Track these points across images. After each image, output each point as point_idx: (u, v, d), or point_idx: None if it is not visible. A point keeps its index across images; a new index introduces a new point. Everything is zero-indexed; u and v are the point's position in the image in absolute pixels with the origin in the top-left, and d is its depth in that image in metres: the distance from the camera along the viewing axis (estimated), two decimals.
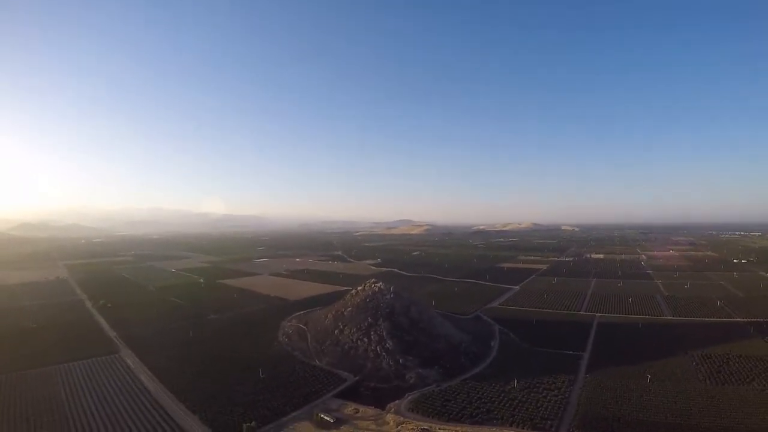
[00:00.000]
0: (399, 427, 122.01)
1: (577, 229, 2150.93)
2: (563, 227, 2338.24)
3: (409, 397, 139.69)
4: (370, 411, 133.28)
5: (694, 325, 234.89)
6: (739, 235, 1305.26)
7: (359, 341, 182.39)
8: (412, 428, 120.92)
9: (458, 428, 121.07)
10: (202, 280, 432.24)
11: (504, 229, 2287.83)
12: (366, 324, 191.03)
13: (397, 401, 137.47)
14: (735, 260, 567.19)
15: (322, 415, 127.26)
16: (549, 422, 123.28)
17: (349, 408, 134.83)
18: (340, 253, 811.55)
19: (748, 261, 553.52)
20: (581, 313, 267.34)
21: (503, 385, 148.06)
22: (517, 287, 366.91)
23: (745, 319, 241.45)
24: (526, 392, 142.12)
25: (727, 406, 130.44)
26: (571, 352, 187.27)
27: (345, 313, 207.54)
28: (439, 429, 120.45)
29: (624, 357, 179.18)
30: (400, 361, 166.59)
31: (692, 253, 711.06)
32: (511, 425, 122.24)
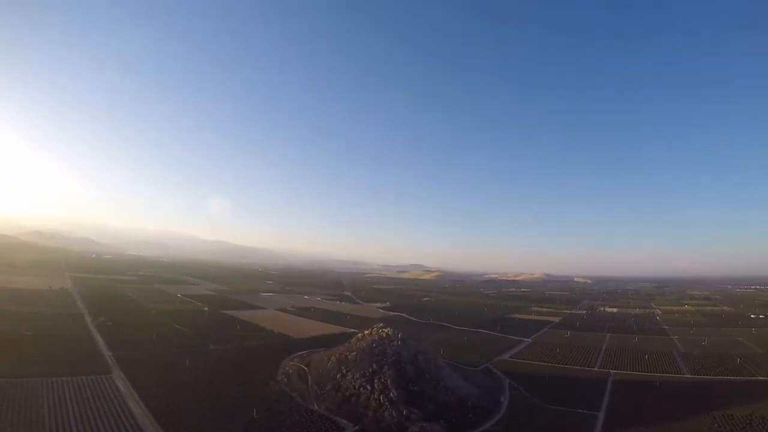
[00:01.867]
0: None
1: (590, 281, 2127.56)
2: (576, 279, 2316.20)
3: None
4: None
5: (714, 383, 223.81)
6: (754, 289, 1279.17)
7: (362, 388, 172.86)
8: None
9: None
10: (206, 308, 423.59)
11: (516, 278, 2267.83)
12: (370, 371, 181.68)
13: None
14: (752, 315, 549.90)
15: None
16: None
17: None
18: (348, 293, 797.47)
19: (765, 316, 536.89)
20: (595, 369, 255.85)
21: None
22: (529, 339, 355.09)
23: (766, 378, 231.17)
24: None
25: None
26: (585, 411, 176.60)
27: (349, 357, 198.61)
28: None
29: (641, 417, 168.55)
30: (404, 412, 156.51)
31: (708, 307, 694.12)
32: None
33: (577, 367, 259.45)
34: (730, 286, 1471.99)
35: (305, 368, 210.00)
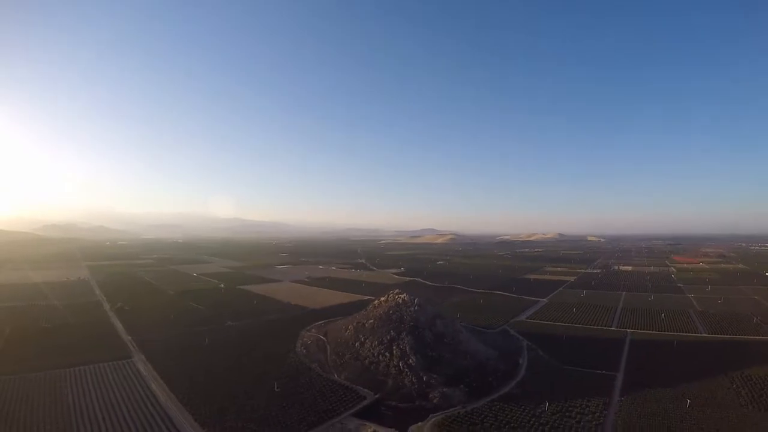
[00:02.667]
0: None
1: (603, 240, 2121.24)
2: (589, 238, 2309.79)
3: (433, 419, 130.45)
4: None
5: (732, 343, 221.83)
6: None
7: (381, 356, 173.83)
8: None
9: None
10: (222, 286, 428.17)
11: (529, 239, 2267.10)
12: (388, 337, 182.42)
13: (419, 423, 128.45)
14: (767, 273, 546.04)
15: None
16: None
17: (368, 429, 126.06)
18: (363, 261, 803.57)
19: None
20: (612, 329, 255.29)
21: (533, 407, 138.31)
22: (544, 300, 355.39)
23: None
24: (558, 416, 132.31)
25: None
26: (603, 372, 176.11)
27: (366, 324, 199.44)
28: None
29: (660, 378, 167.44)
30: (424, 378, 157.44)
31: (723, 265, 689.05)
32: None
33: (594, 327, 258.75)
34: (744, 244, 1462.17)
35: (323, 338, 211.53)
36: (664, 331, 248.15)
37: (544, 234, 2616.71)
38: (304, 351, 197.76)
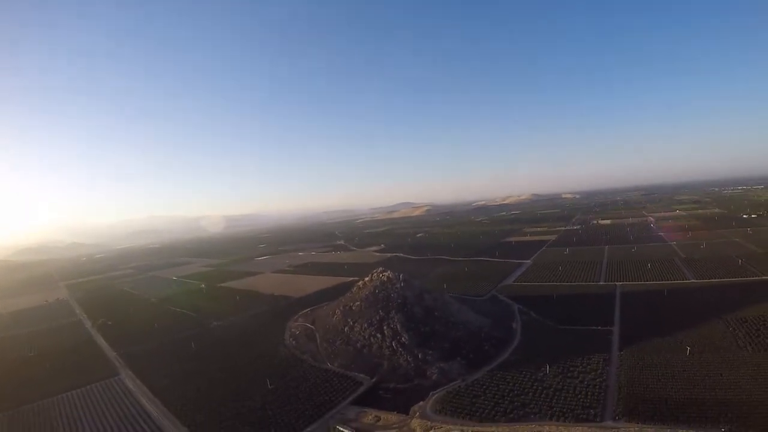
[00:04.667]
0: None
1: (578, 196, 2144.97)
2: (564, 195, 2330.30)
3: (434, 396, 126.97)
4: (393, 417, 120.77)
5: (721, 286, 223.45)
6: (742, 189, 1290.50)
7: (372, 338, 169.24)
8: None
9: (494, 429, 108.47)
10: (203, 286, 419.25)
11: (504, 202, 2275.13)
12: (377, 318, 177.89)
13: (421, 403, 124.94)
14: (744, 216, 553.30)
15: (339, 428, 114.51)
16: (592, 411, 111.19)
17: (369, 416, 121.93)
18: (342, 242, 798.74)
19: (758, 215, 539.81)
20: (601, 283, 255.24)
21: (534, 372, 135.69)
22: (529, 261, 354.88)
23: None
24: (560, 378, 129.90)
25: None
26: (599, 328, 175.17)
27: (353, 307, 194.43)
28: None
29: (656, 328, 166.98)
30: (419, 355, 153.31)
31: (700, 211, 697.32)
32: (551, 419, 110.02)
33: (582, 283, 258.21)
34: (716, 189, 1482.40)
35: (312, 327, 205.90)
36: (653, 280, 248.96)
37: (518, 196, 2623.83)
38: (294, 342, 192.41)
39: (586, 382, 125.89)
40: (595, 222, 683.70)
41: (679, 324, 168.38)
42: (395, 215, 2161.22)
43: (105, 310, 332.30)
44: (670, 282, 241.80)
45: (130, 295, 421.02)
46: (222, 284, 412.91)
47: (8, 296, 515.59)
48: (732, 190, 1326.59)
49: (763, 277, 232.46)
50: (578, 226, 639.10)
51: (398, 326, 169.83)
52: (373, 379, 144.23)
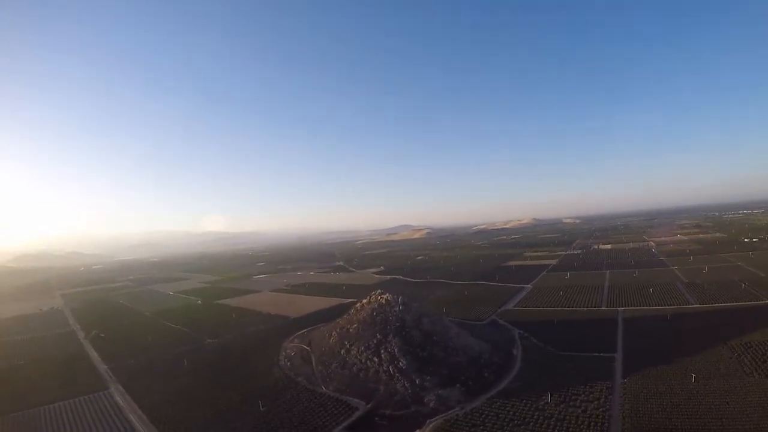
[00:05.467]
0: None
1: (578, 221, 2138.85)
2: (564, 220, 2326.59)
3: (432, 425, 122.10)
4: None
5: (724, 311, 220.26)
6: (742, 213, 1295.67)
7: (369, 361, 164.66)
8: None
9: None
10: (199, 302, 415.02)
11: (505, 226, 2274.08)
12: (375, 341, 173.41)
13: (418, 431, 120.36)
14: (746, 239, 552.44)
15: None
16: None
17: None
18: (341, 263, 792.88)
19: (759, 239, 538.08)
20: (603, 308, 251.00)
21: (535, 400, 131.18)
22: (529, 286, 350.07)
23: None
24: (562, 407, 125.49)
25: None
26: (601, 354, 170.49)
27: (350, 330, 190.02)
28: None
29: (660, 355, 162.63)
30: (417, 381, 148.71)
31: (701, 235, 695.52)
32: None
33: (584, 308, 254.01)
34: (717, 213, 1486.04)
35: (307, 348, 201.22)
36: (655, 305, 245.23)
37: (519, 220, 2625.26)
38: (288, 364, 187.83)
39: (588, 412, 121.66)
40: (596, 247, 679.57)
41: (684, 350, 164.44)
42: (395, 237, 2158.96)
43: (99, 322, 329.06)
44: (672, 307, 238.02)
45: (125, 307, 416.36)
46: (218, 301, 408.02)
47: (3, 302, 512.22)
48: (732, 214, 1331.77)
49: (766, 301, 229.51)
50: (579, 251, 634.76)
51: (396, 350, 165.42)
52: (369, 405, 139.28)
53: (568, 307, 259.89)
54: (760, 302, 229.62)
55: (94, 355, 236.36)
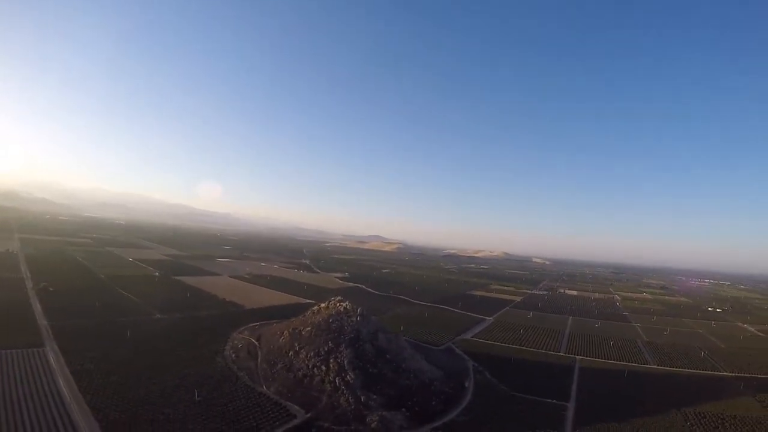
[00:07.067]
0: None
1: (548, 262, 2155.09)
2: (534, 259, 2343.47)
3: None
4: None
5: (681, 376, 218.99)
6: (708, 283, 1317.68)
7: (316, 369, 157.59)
8: None
9: None
10: (157, 274, 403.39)
11: (476, 255, 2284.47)
12: (326, 349, 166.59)
13: None
14: (710, 308, 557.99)
15: None
16: None
17: None
18: (307, 262, 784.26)
19: (722, 310, 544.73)
20: (561, 353, 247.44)
21: None
22: (491, 318, 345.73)
23: (731, 374, 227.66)
24: None
25: None
26: (554, 401, 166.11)
27: (303, 332, 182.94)
28: None
29: (613, 410, 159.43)
30: (362, 398, 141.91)
31: (666, 297, 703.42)
32: None
33: (542, 351, 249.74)
34: (683, 278, 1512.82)
35: (255, 343, 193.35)
36: (613, 360, 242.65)
37: (490, 251, 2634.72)
38: (233, 356, 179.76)
39: None
40: (561, 290, 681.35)
41: (637, 410, 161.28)
42: (366, 246, 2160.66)
43: (50, 274, 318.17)
44: (631, 364, 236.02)
45: (81, 265, 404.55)
46: (177, 277, 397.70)
47: None
48: (699, 281, 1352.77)
49: (724, 373, 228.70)
50: (545, 292, 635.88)
51: (345, 362, 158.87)
52: (308, 415, 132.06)
53: (527, 347, 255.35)
54: (718, 373, 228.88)
55: (37, 307, 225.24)
